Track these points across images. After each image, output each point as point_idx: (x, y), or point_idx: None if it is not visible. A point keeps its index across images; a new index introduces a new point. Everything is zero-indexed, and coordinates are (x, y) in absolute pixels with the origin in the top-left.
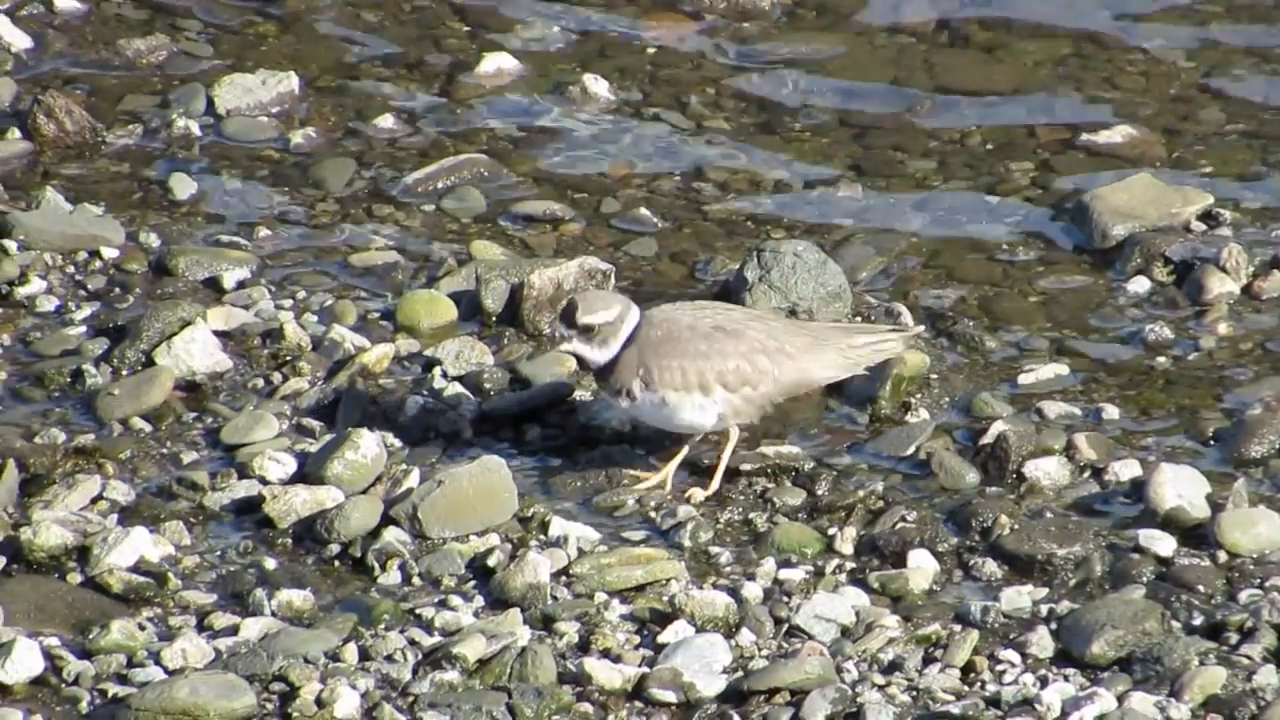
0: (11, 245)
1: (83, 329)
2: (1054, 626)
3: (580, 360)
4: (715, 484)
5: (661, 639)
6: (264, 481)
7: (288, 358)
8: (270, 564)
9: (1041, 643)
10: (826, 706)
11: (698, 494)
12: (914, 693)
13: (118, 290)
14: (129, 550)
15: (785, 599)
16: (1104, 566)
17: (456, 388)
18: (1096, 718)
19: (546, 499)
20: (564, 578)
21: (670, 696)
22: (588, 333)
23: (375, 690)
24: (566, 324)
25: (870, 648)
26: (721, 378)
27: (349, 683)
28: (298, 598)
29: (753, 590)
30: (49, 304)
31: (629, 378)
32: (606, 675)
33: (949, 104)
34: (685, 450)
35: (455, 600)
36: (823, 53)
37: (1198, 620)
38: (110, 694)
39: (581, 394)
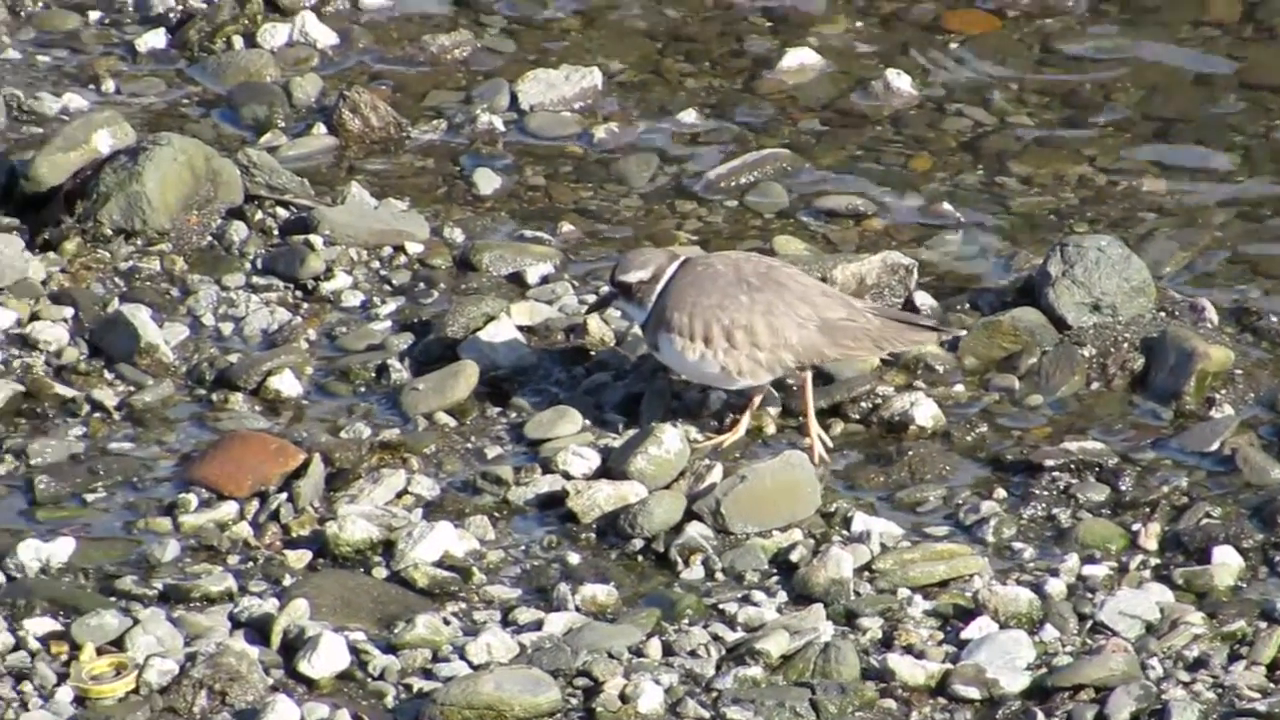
0: (317, 240)
1: (387, 324)
2: None
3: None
4: (733, 435)
5: (964, 635)
6: (567, 476)
7: (591, 353)
8: (574, 559)
9: None
10: (1131, 703)
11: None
12: (1219, 690)
13: (422, 285)
14: (434, 545)
15: (1089, 595)
16: None
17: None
18: None
19: (849, 494)
20: (866, 573)
21: (973, 693)
22: (627, 291)
23: (679, 685)
24: (610, 284)
25: (1175, 644)
26: (727, 332)
27: (652, 678)
28: (601, 592)
29: (1056, 586)
30: (354, 299)
31: (657, 327)
32: (910, 671)
33: (1254, 97)
34: (757, 401)
35: (758, 595)
36: (1125, 47)
37: None
38: (415, 689)
39: (885, 388)
